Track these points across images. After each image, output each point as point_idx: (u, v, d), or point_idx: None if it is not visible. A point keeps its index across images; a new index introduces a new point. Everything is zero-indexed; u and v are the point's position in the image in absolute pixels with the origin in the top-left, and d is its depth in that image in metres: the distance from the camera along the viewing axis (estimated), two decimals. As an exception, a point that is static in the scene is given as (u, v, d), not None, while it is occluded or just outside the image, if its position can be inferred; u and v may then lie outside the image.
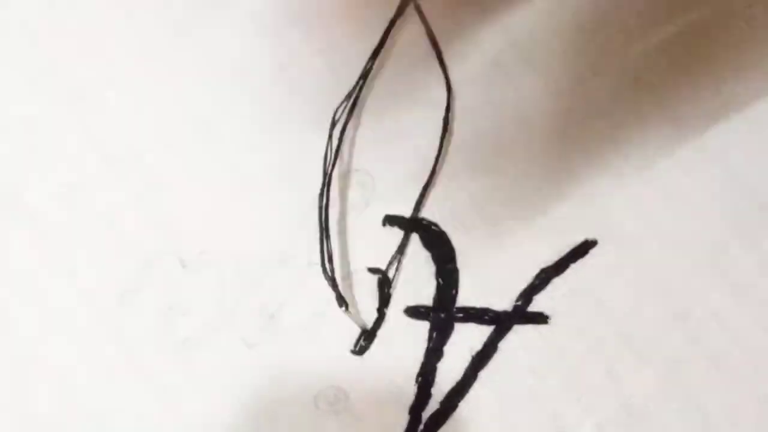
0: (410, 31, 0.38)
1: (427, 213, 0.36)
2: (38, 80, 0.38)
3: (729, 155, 0.36)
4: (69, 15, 0.39)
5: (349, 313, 0.34)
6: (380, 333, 0.35)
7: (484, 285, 0.35)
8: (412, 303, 0.35)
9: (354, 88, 0.37)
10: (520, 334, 0.35)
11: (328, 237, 0.35)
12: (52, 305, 0.36)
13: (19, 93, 0.38)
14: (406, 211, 0.36)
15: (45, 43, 0.39)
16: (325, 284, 0.35)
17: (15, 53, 0.39)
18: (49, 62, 0.38)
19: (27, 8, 0.39)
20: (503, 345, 0.35)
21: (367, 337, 0.35)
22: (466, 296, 0.35)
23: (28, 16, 0.39)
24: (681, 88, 0.37)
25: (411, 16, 0.38)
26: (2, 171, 0.37)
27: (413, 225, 0.36)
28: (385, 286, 0.35)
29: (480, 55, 0.38)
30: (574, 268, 0.35)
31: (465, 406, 0.34)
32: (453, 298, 0.35)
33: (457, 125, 0.37)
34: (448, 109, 0.37)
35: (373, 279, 0.35)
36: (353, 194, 0.37)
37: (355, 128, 0.37)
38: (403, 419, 0.34)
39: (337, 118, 0.37)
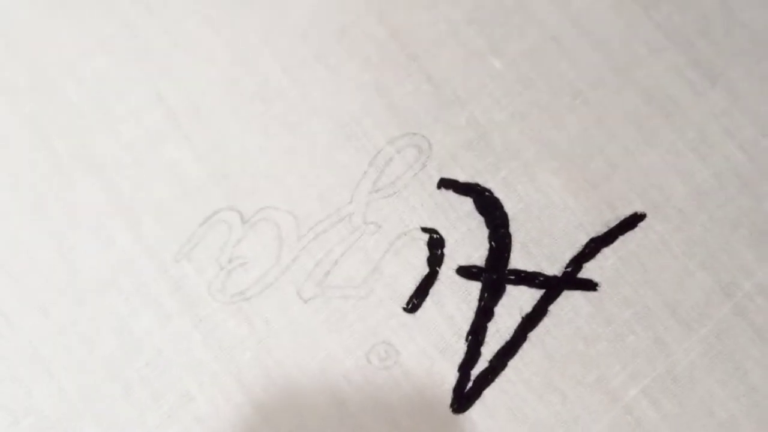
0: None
1: (481, 180, 0.37)
2: (109, 41, 0.40)
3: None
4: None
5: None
6: (432, 291, 0.36)
7: (535, 251, 0.36)
8: (464, 264, 0.36)
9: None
10: (569, 299, 0.35)
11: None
12: (116, 254, 0.37)
13: (92, 52, 0.39)
14: (461, 177, 0.37)
15: (118, 7, 0.40)
16: (379, 242, 0.36)
17: (89, 16, 0.40)
18: (121, 24, 0.40)
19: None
20: (553, 308, 0.35)
21: (419, 294, 0.35)
22: (517, 261, 0.36)
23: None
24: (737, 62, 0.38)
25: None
26: (75, 124, 0.38)
27: (468, 189, 0.37)
28: (438, 246, 0.36)
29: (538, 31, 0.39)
30: (623, 240, 0.36)
31: (514, 365, 0.35)
32: (505, 261, 0.36)
33: (510, 98, 0.38)
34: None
35: (427, 238, 0.36)
36: (410, 155, 0.37)
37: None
38: (453, 376, 0.35)
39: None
